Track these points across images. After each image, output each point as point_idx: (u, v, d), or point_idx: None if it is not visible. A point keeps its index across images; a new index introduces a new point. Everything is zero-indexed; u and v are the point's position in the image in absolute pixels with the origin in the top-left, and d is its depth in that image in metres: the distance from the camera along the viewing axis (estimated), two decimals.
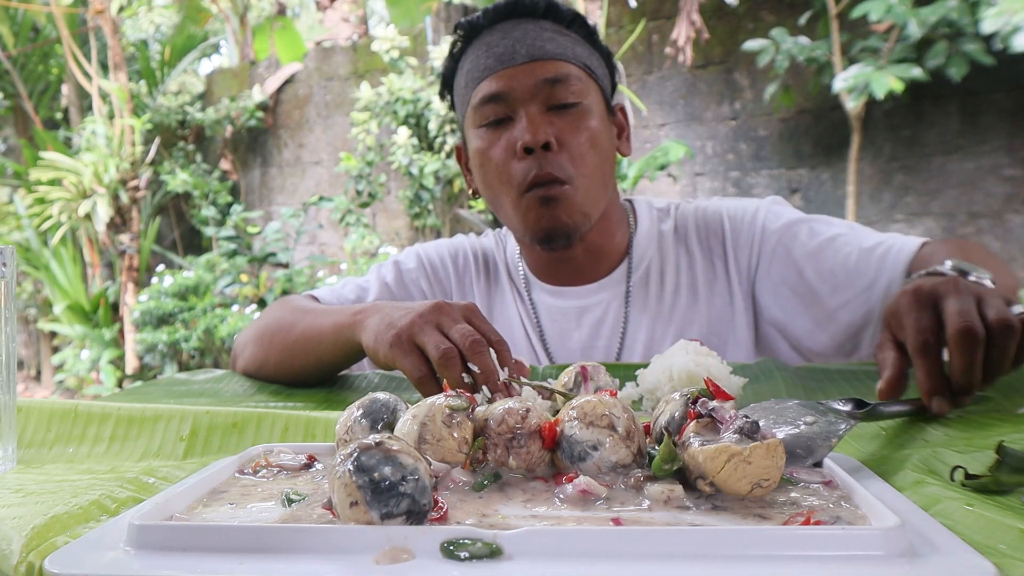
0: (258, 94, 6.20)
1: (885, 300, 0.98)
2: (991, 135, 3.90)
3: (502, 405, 0.48)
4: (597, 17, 4.57)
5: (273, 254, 5.34)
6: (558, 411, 0.50)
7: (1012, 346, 0.62)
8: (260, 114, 6.18)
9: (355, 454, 0.38)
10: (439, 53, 4.94)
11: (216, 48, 7.36)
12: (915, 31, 3.43)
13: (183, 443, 0.64)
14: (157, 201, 6.53)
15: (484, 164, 1.07)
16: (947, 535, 0.37)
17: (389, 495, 0.37)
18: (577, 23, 1.09)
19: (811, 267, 1.05)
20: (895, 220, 4.12)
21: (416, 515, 0.38)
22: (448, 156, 5.10)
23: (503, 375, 0.71)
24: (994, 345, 0.62)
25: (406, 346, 0.76)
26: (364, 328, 0.84)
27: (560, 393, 0.69)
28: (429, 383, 0.75)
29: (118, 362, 5.81)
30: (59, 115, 7.46)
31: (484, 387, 0.69)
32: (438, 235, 5.58)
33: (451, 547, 0.35)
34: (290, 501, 0.44)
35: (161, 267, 6.02)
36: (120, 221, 5.83)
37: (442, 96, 1.19)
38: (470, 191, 1.16)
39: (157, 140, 6.19)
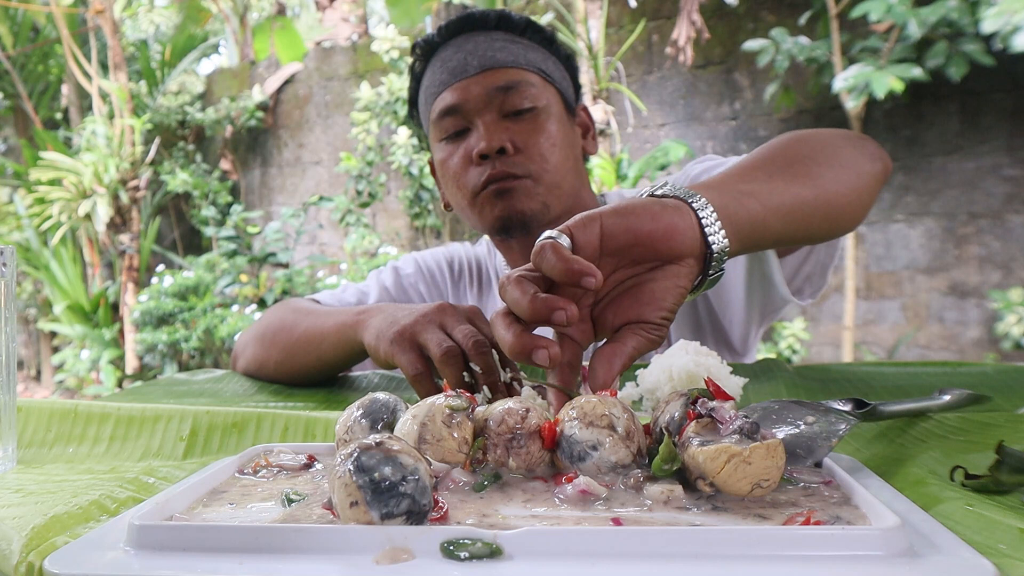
0: (258, 94, 6.20)
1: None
2: (991, 135, 3.91)
3: (502, 405, 0.48)
4: (597, 17, 4.58)
5: (273, 254, 5.34)
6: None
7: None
8: (260, 114, 6.18)
9: (355, 454, 0.38)
10: None
11: (216, 48, 7.36)
12: (915, 31, 3.43)
13: (183, 443, 0.64)
14: (157, 201, 6.53)
15: (445, 175, 1.10)
16: (947, 535, 0.37)
17: (389, 495, 0.37)
18: (531, 30, 1.11)
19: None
20: (895, 220, 4.13)
21: (416, 515, 0.38)
22: None
23: (504, 376, 0.72)
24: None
25: (406, 343, 0.76)
26: (367, 327, 0.84)
27: (560, 389, 0.69)
28: (425, 382, 0.75)
29: (118, 362, 5.81)
30: (59, 115, 7.46)
31: (485, 388, 0.69)
32: (438, 235, 5.58)
33: (451, 547, 0.35)
34: (290, 501, 0.44)
35: (161, 267, 6.03)
36: (120, 221, 5.84)
37: (411, 115, 1.21)
38: (443, 205, 1.18)
39: (157, 140, 6.19)
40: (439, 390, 0.49)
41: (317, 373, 0.97)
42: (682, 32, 4.17)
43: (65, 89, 7.12)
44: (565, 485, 0.44)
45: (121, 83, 5.79)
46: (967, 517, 0.40)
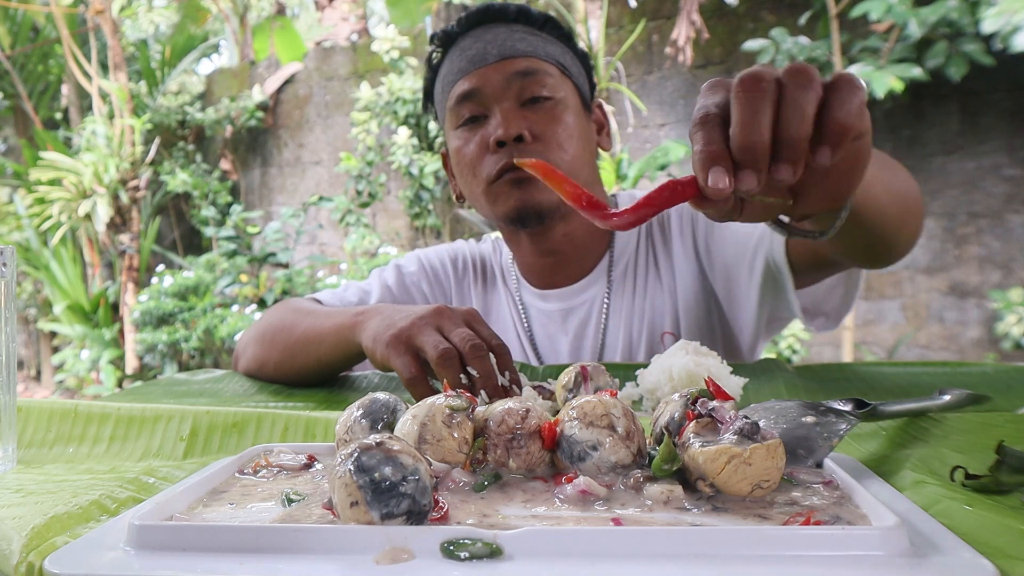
0: (258, 94, 6.20)
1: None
2: (991, 135, 3.91)
3: (501, 405, 0.48)
4: (597, 17, 4.58)
5: (273, 254, 5.34)
6: (558, 411, 0.50)
7: (809, 97, 0.49)
8: (260, 114, 6.18)
9: (356, 454, 0.38)
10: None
11: (216, 48, 7.36)
12: (915, 31, 3.43)
13: (183, 443, 0.64)
14: (157, 201, 6.53)
15: (460, 162, 1.09)
16: (947, 535, 0.37)
17: (390, 495, 0.37)
18: (550, 25, 1.11)
19: (734, 225, 1.05)
20: None
21: (416, 515, 0.38)
22: None
23: (503, 380, 0.71)
24: (785, 98, 0.49)
25: (402, 346, 0.76)
26: (364, 329, 0.84)
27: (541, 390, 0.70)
28: (420, 385, 0.75)
29: (118, 362, 5.81)
30: (59, 115, 7.46)
31: (483, 391, 0.69)
32: (438, 235, 5.58)
33: (451, 547, 0.35)
34: (290, 501, 0.44)
35: (161, 267, 6.03)
36: (120, 221, 5.84)
37: (425, 108, 1.21)
38: (455, 197, 1.17)
39: (157, 140, 6.19)
40: (435, 393, 0.49)
41: (317, 374, 0.97)
42: (682, 32, 4.17)
43: (65, 89, 7.12)
44: (565, 485, 0.44)
45: (121, 83, 5.79)
46: (967, 517, 0.40)
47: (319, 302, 1.15)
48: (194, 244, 6.83)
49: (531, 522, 0.40)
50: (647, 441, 0.48)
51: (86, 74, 6.15)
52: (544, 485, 0.46)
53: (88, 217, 5.66)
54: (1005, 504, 0.41)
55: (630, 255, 1.15)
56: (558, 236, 1.11)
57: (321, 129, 6.16)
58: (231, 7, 7.19)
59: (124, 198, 5.75)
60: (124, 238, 5.82)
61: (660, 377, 0.76)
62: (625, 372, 0.84)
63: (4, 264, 0.60)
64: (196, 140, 6.65)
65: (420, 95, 5.44)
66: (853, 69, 3.58)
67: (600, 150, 1.15)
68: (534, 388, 0.73)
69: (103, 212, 5.56)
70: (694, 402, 0.47)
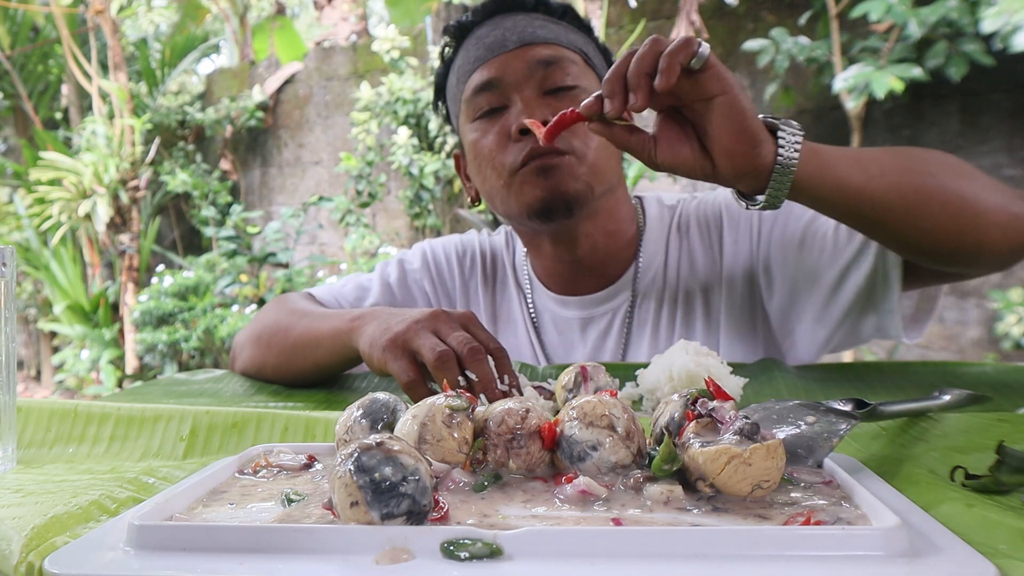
0: (258, 94, 6.20)
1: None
2: (991, 135, 3.91)
3: (501, 406, 0.48)
4: (597, 17, 4.58)
5: (273, 254, 5.34)
6: (558, 411, 0.50)
7: (649, 50, 0.71)
8: (260, 114, 6.18)
9: (356, 454, 0.38)
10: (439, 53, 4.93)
11: (216, 48, 7.36)
12: (915, 31, 3.43)
13: (183, 443, 0.64)
14: (157, 201, 6.53)
15: (478, 155, 1.02)
16: (947, 535, 0.37)
17: (390, 495, 0.37)
18: (569, 15, 1.07)
19: (809, 237, 1.00)
20: None
21: (417, 515, 0.38)
22: (448, 156, 5.09)
23: (502, 386, 0.71)
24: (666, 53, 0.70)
25: (399, 350, 0.76)
26: (361, 334, 0.84)
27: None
28: (418, 388, 0.74)
29: (118, 362, 5.81)
30: (59, 115, 7.45)
31: (482, 395, 0.69)
32: (438, 235, 5.57)
33: (451, 547, 0.35)
34: (290, 501, 0.44)
35: (161, 267, 6.02)
36: (120, 221, 5.83)
37: (435, 107, 1.16)
38: (469, 199, 1.12)
39: (157, 140, 6.19)
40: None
41: (314, 376, 0.97)
42: (682, 32, 4.17)
43: (65, 89, 7.12)
44: (565, 485, 0.44)
45: (121, 83, 5.79)
46: (967, 517, 0.40)
47: (314, 297, 1.13)
48: (194, 244, 6.82)
49: (531, 522, 0.40)
50: (647, 441, 0.48)
51: (86, 74, 6.15)
52: (544, 485, 0.46)
53: (88, 217, 5.66)
54: (1005, 504, 0.41)
55: (658, 267, 1.09)
56: (582, 240, 1.05)
57: (321, 129, 6.16)
58: (231, 7, 7.18)
59: (124, 198, 5.75)
60: (124, 238, 5.82)
61: (660, 377, 0.76)
62: (625, 372, 0.84)
63: (4, 264, 0.60)
64: (196, 140, 6.65)
65: (420, 95, 5.38)
66: (853, 69, 3.58)
67: None
68: (534, 388, 0.73)
69: (103, 212, 5.56)
70: (694, 402, 0.47)
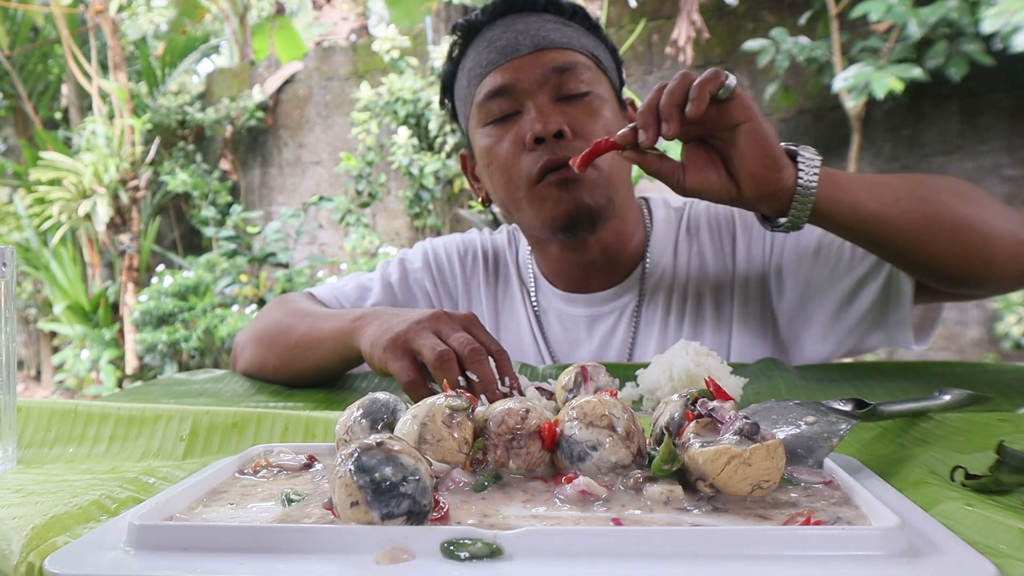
0: (258, 94, 6.20)
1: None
2: (991, 135, 3.91)
3: (501, 406, 0.48)
4: (597, 17, 4.57)
5: (273, 254, 5.34)
6: (558, 411, 0.50)
7: (679, 84, 0.78)
8: (260, 114, 6.18)
9: (356, 454, 0.38)
10: (439, 53, 4.94)
11: (216, 48, 7.35)
12: (915, 31, 3.43)
13: (183, 443, 0.64)
14: (157, 201, 6.53)
15: (491, 163, 1.02)
16: (947, 535, 0.37)
17: (390, 495, 0.37)
18: (579, 16, 1.06)
19: (825, 247, 1.01)
20: None
21: (417, 515, 0.38)
22: (448, 156, 5.09)
23: (503, 388, 0.71)
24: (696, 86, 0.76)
25: (399, 350, 0.76)
26: (363, 334, 0.84)
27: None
28: (419, 388, 0.74)
29: (118, 362, 5.81)
30: (59, 115, 7.46)
31: (483, 396, 0.69)
32: (438, 235, 5.57)
33: (451, 547, 0.35)
34: (290, 501, 0.44)
35: (161, 267, 6.03)
36: (120, 221, 5.84)
37: (442, 104, 1.15)
38: (479, 200, 1.11)
39: (157, 140, 6.19)
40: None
41: (316, 376, 0.97)
42: (682, 32, 4.17)
43: (65, 89, 7.12)
44: (565, 485, 0.43)
45: (121, 83, 5.79)
46: (967, 517, 0.40)
47: (314, 297, 1.13)
48: (194, 244, 6.83)
49: (531, 522, 0.40)
50: (647, 441, 0.48)
51: (86, 74, 6.15)
52: (544, 485, 0.46)
53: (88, 217, 5.66)
54: (1005, 504, 0.41)
55: (667, 266, 1.10)
56: (593, 245, 1.06)
57: (321, 129, 6.17)
58: (231, 7, 7.18)
59: (124, 198, 5.75)
60: (124, 238, 5.82)
61: (660, 377, 0.76)
62: (625, 372, 0.84)
63: (4, 264, 0.60)
64: (196, 140, 6.65)
65: (420, 95, 5.38)
66: (853, 69, 3.58)
67: None
68: (535, 389, 0.73)
69: (103, 212, 5.56)
70: (694, 402, 0.47)
